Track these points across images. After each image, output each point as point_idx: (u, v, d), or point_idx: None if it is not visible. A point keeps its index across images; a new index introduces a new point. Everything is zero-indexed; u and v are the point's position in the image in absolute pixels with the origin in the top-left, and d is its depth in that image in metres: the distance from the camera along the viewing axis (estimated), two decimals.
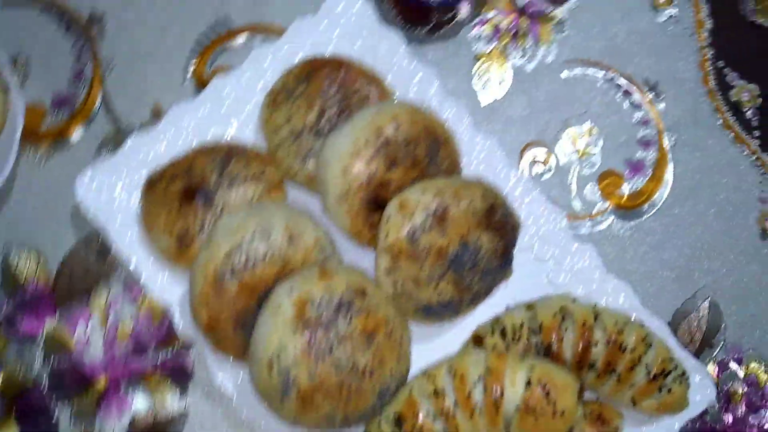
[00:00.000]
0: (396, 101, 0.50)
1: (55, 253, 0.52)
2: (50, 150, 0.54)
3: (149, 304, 0.51)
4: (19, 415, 0.49)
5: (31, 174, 0.53)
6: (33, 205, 0.53)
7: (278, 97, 0.50)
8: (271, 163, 0.50)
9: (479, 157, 0.51)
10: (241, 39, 0.57)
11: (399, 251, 0.45)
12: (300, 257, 0.45)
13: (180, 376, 0.50)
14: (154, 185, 0.48)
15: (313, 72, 0.50)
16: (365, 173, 0.46)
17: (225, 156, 0.48)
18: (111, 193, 0.49)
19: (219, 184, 0.47)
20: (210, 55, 0.56)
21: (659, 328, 0.49)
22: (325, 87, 0.50)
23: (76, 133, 0.54)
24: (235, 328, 0.45)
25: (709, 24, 0.60)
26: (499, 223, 0.47)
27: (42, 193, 0.53)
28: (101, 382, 0.49)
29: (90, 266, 0.52)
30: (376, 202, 0.46)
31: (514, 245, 0.48)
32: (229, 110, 0.52)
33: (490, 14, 0.58)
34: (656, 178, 0.56)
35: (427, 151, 0.47)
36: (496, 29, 0.58)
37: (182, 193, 0.47)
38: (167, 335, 0.50)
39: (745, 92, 0.58)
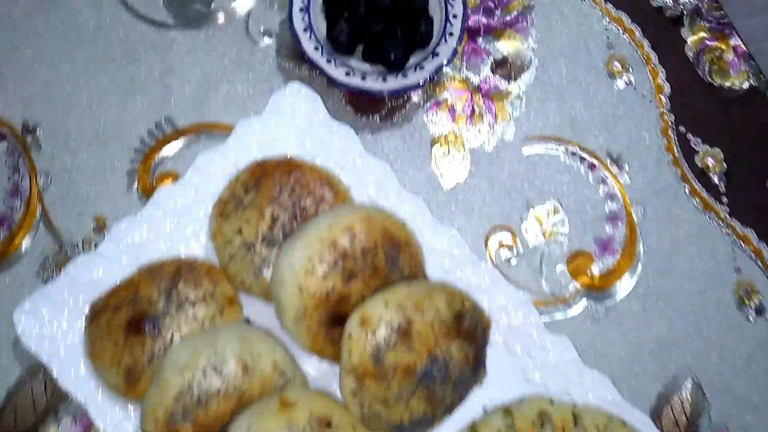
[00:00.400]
0: (350, 205, 0.48)
1: None
2: None
3: None
4: None
5: None
6: None
7: (227, 207, 0.48)
8: (223, 278, 0.47)
9: (443, 250, 0.49)
10: (184, 141, 0.54)
11: (364, 372, 0.42)
12: (257, 387, 0.42)
13: None
14: (97, 316, 0.45)
15: (262, 177, 0.48)
16: (322, 290, 0.43)
17: (172, 277, 0.45)
18: (52, 324, 0.46)
19: (167, 309, 0.44)
20: (153, 160, 0.53)
21: (642, 422, 0.47)
22: (276, 193, 0.48)
23: (16, 253, 0.51)
24: None
25: (667, 88, 0.59)
26: (469, 329, 0.44)
27: None
28: None
29: (37, 398, 0.48)
30: (336, 318, 0.44)
31: (485, 346, 0.46)
32: (176, 223, 0.49)
33: (444, 95, 0.57)
34: (627, 254, 0.54)
35: (386, 258, 0.45)
36: (452, 110, 0.57)
37: (128, 323, 0.44)
38: None
39: (709, 157, 0.57)
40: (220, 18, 0.58)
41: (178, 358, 0.42)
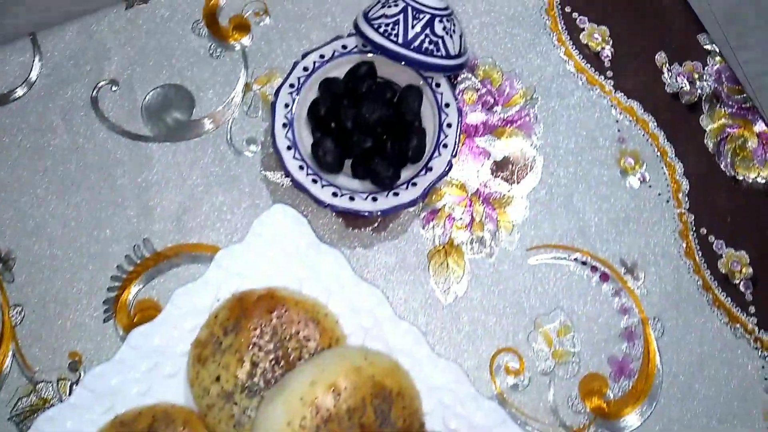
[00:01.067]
0: (336, 352, 0.44)
1: None
2: None
3: None
4: None
5: None
6: None
7: (205, 350, 0.44)
8: (202, 428, 0.44)
9: (443, 387, 0.45)
10: (165, 264, 0.50)
11: None
12: None
13: None
14: None
15: (242, 316, 0.44)
16: None
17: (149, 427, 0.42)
18: None
19: None
20: (131, 287, 0.50)
21: None
22: (257, 334, 0.44)
23: None
24: None
25: (685, 185, 0.54)
26: None
27: None
28: None
29: None
30: None
31: None
32: (153, 365, 0.45)
33: (440, 202, 0.53)
34: (645, 375, 0.50)
35: (376, 414, 0.41)
36: (449, 218, 0.53)
37: None
38: None
39: (734, 261, 0.52)
40: (202, 127, 0.54)
41: None
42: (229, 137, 0.54)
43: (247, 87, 0.55)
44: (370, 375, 0.42)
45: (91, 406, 0.44)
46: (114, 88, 0.55)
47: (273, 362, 0.44)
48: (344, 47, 0.52)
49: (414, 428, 0.42)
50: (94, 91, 0.55)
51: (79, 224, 0.52)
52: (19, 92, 0.55)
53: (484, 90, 0.56)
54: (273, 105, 0.50)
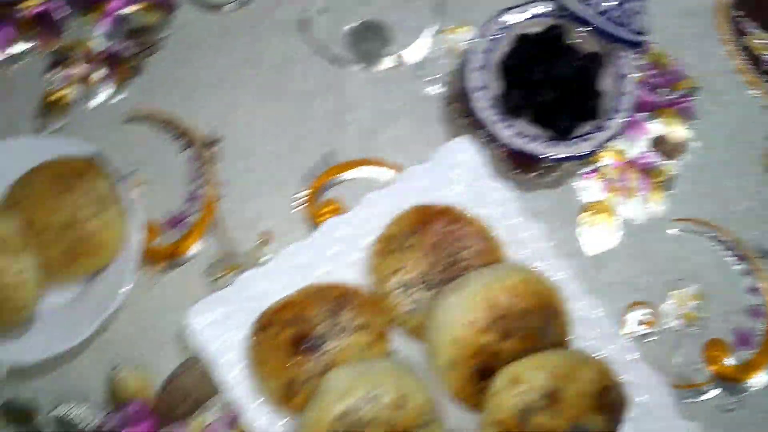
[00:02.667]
0: (511, 265, 0.50)
1: (159, 372, 0.53)
2: (160, 269, 0.55)
3: None
4: None
5: (140, 292, 0.54)
6: (141, 324, 0.54)
7: (389, 245, 0.51)
8: (378, 311, 0.50)
9: (588, 321, 0.51)
10: (349, 174, 0.58)
11: (507, 427, 0.44)
12: (405, 422, 0.45)
13: None
14: (265, 329, 0.49)
15: (426, 222, 0.51)
16: (478, 343, 0.45)
17: (336, 303, 0.49)
18: (220, 326, 0.50)
19: (329, 333, 0.48)
20: (318, 187, 0.57)
21: None
22: (438, 239, 0.50)
23: (187, 254, 0.56)
24: None
25: None
26: (611, 405, 0.45)
27: (150, 311, 0.54)
28: None
29: (191, 389, 0.53)
30: (485, 371, 0.46)
31: (620, 424, 0.47)
32: (339, 251, 0.53)
33: (599, 164, 0.59)
34: (765, 351, 0.54)
35: (540, 323, 0.47)
36: (605, 180, 0.58)
37: (292, 340, 0.47)
38: None
39: None
40: (393, 61, 0.61)
41: (338, 383, 0.45)
42: (418, 74, 0.61)
43: (440, 32, 0.62)
44: (539, 288, 0.48)
45: (284, 275, 0.52)
46: (322, 16, 0.63)
47: (448, 266, 0.50)
48: (539, 10, 0.57)
49: (563, 345, 0.48)
50: (305, 15, 0.63)
51: (280, 127, 0.59)
52: (236, 5, 0.63)
53: (652, 72, 0.61)
54: (467, 51, 0.57)
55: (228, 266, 0.56)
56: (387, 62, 0.61)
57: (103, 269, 0.52)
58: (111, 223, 0.51)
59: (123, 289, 0.51)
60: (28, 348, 0.51)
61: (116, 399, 0.52)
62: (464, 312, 0.46)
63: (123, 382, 0.53)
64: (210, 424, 0.52)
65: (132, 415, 0.52)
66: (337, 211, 0.57)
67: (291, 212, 0.57)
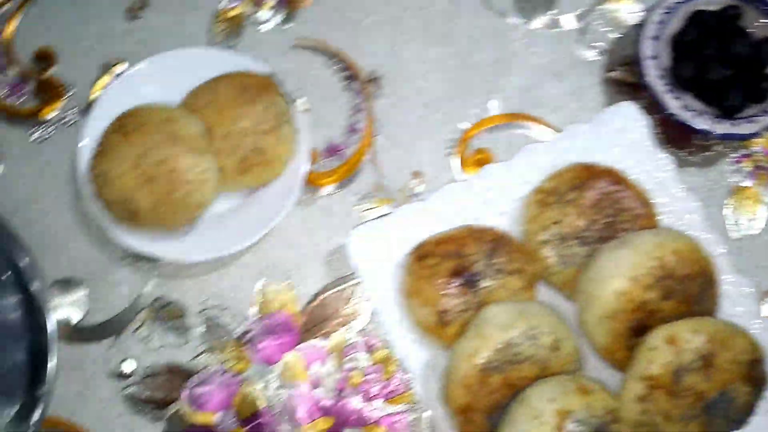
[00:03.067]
0: (674, 230, 0.51)
1: (305, 289, 0.55)
2: (315, 194, 0.57)
3: (382, 358, 0.54)
4: None
5: (295, 212, 0.56)
6: (292, 242, 0.56)
7: (548, 198, 0.52)
8: (530, 260, 0.52)
9: (734, 298, 0.52)
10: (502, 126, 0.59)
11: (658, 383, 0.45)
12: (558, 365, 0.47)
13: (401, 427, 0.53)
14: (423, 259, 0.50)
15: (588, 180, 0.52)
16: (639, 300, 0.47)
17: (493, 245, 0.50)
18: (376, 252, 0.53)
19: (486, 271, 0.50)
20: (472, 136, 0.59)
21: None
22: (599, 198, 0.51)
23: (341, 183, 0.58)
24: (484, 416, 0.47)
25: None
26: (759, 378, 0.47)
27: (301, 232, 0.56)
28: (325, 422, 0.53)
29: (334, 309, 0.55)
30: (638, 328, 0.47)
31: (762, 398, 0.48)
32: (492, 199, 0.54)
33: (752, 150, 0.59)
34: None
35: (698, 289, 0.48)
36: (757, 166, 0.58)
37: (451, 273, 0.49)
38: (395, 392, 0.53)
39: None
40: (556, 24, 0.62)
41: (498, 317, 0.47)
42: (578, 38, 0.61)
43: (600, 2, 0.63)
44: (701, 257, 0.49)
45: (438, 211, 0.54)
46: None
47: (606, 225, 0.51)
48: None
49: (712, 314, 0.49)
50: None
51: (441, 72, 0.61)
52: None
53: None
54: (642, 20, 0.58)
55: (379, 199, 0.58)
56: (550, 23, 0.62)
57: (267, 184, 0.55)
58: (285, 140, 0.53)
59: (288, 203, 0.54)
60: (190, 248, 0.53)
61: (263, 310, 0.55)
62: (632, 267, 0.47)
63: (271, 294, 0.56)
64: (350, 344, 0.54)
65: (277, 326, 0.55)
66: (487, 161, 0.58)
67: (443, 156, 0.59)
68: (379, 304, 0.52)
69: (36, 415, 0.51)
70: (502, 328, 0.46)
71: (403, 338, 0.51)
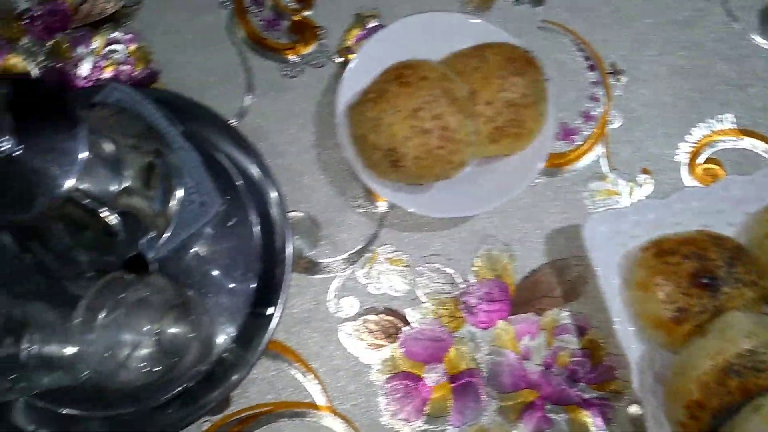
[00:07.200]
0: None
1: (525, 264, 0.57)
2: (543, 173, 0.59)
3: (591, 343, 0.55)
4: (455, 389, 0.54)
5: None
6: (516, 216, 0.58)
7: None
8: (763, 273, 0.52)
9: None
10: (736, 142, 0.60)
11: None
12: None
13: (603, 414, 0.54)
14: (664, 255, 0.51)
15: None
16: None
17: (732, 253, 0.51)
18: (609, 240, 0.54)
19: (726, 278, 0.50)
20: (705, 144, 0.60)
21: None
22: None
23: (573, 166, 0.59)
24: (711, 416, 0.48)
25: None
26: None
27: (526, 208, 0.58)
28: (530, 393, 0.54)
29: (549, 288, 0.57)
30: None
31: None
32: (727, 209, 0.55)
33: None
34: None
35: None
36: None
37: (694, 273, 0.50)
38: (601, 378, 0.54)
39: None
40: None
41: (743, 324, 0.48)
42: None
43: None
44: None
45: (673, 211, 0.55)
46: None
47: None
48: None
49: None
50: None
51: (680, 77, 0.61)
52: None
53: None
54: None
55: (607, 191, 0.59)
56: None
57: (509, 155, 0.56)
58: (540, 116, 0.54)
59: (528, 177, 0.55)
60: (430, 204, 0.55)
61: (481, 275, 0.57)
62: None
63: (491, 262, 0.57)
64: (562, 324, 0.56)
65: (493, 294, 0.57)
66: (716, 172, 0.59)
67: (672, 159, 0.60)
68: (607, 292, 0.53)
69: (264, 335, 0.54)
70: (747, 334, 0.47)
71: (626, 328, 0.53)
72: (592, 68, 0.61)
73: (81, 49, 0.60)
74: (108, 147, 0.45)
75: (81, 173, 0.41)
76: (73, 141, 0.41)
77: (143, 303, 0.48)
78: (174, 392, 0.52)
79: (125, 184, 0.46)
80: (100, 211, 0.43)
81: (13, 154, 0.40)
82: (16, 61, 0.60)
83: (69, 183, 0.40)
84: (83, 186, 0.41)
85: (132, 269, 0.41)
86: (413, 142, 0.51)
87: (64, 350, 0.51)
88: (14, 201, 0.40)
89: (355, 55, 0.57)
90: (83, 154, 0.40)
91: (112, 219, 0.44)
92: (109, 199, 0.45)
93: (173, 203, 0.52)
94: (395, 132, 0.51)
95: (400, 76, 0.52)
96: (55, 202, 0.40)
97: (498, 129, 0.54)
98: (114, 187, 0.45)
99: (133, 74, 0.60)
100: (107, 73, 0.60)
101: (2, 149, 0.40)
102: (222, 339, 0.54)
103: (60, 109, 0.41)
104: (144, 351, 0.48)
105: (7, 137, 0.39)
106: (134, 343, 0.47)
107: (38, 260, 0.50)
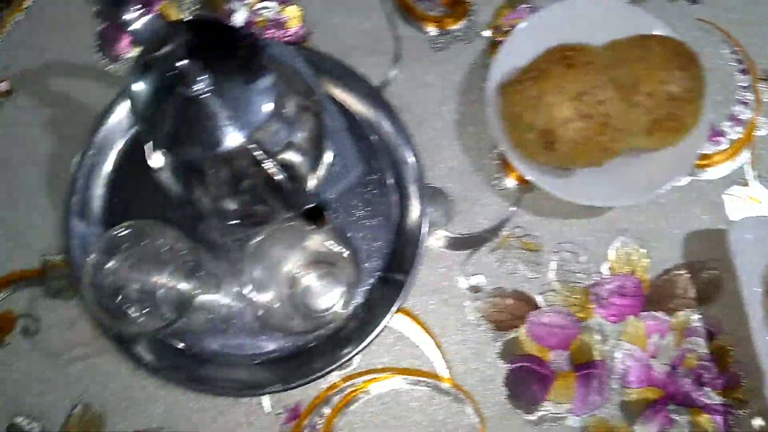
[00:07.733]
0: None
1: (660, 262, 0.56)
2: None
3: (720, 349, 0.54)
4: (579, 378, 0.54)
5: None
6: (655, 213, 0.57)
7: None
8: None
9: None
10: None
11: None
12: None
13: (725, 421, 0.53)
14: None
15: None
16: None
17: None
18: (754, 246, 0.53)
19: None
20: None
21: None
22: None
23: (716, 168, 0.58)
24: None
25: None
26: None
27: (666, 206, 0.57)
28: (654, 392, 0.54)
29: (683, 290, 0.56)
30: None
31: None
32: None
33: None
34: None
35: None
36: None
37: None
38: (727, 386, 0.54)
39: None
40: None
41: None
42: None
43: None
44: None
45: None
46: None
47: None
48: None
49: None
50: None
51: None
52: None
53: None
54: None
55: (751, 196, 0.57)
56: None
57: (660, 150, 0.55)
58: (698, 113, 0.53)
59: (679, 175, 0.54)
60: (573, 189, 0.54)
61: (615, 269, 0.56)
62: None
63: (626, 256, 0.56)
64: (692, 327, 0.55)
65: (625, 288, 0.56)
66: None
67: None
68: (748, 299, 0.52)
69: (396, 299, 0.54)
70: None
71: (764, 338, 0.52)
72: (744, 72, 0.60)
73: (235, 1, 0.61)
74: (286, 102, 0.45)
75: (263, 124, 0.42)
76: (261, 92, 0.41)
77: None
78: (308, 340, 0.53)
79: (291, 140, 0.47)
80: (266, 162, 0.44)
81: (205, 95, 0.41)
82: (171, 11, 0.61)
83: (252, 132, 0.41)
84: (259, 135, 0.42)
85: (310, 219, 0.42)
86: (573, 125, 0.51)
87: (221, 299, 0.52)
88: (201, 139, 0.41)
89: (509, 33, 0.57)
90: (269, 106, 0.41)
91: (277, 172, 0.44)
92: (276, 152, 0.46)
93: (321, 164, 0.53)
94: (555, 113, 0.51)
95: (566, 57, 0.52)
96: (240, 147, 0.41)
97: (656, 121, 0.53)
98: (282, 141, 0.46)
99: (284, 33, 0.61)
100: (257, 29, 0.61)
101: (197, 89, 0.41)
102: (356, 297, 0.55)
103: (252, 58, 0.42)
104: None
105: (205, 77, 0.40)
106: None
107: (195, 211, 0.51)
